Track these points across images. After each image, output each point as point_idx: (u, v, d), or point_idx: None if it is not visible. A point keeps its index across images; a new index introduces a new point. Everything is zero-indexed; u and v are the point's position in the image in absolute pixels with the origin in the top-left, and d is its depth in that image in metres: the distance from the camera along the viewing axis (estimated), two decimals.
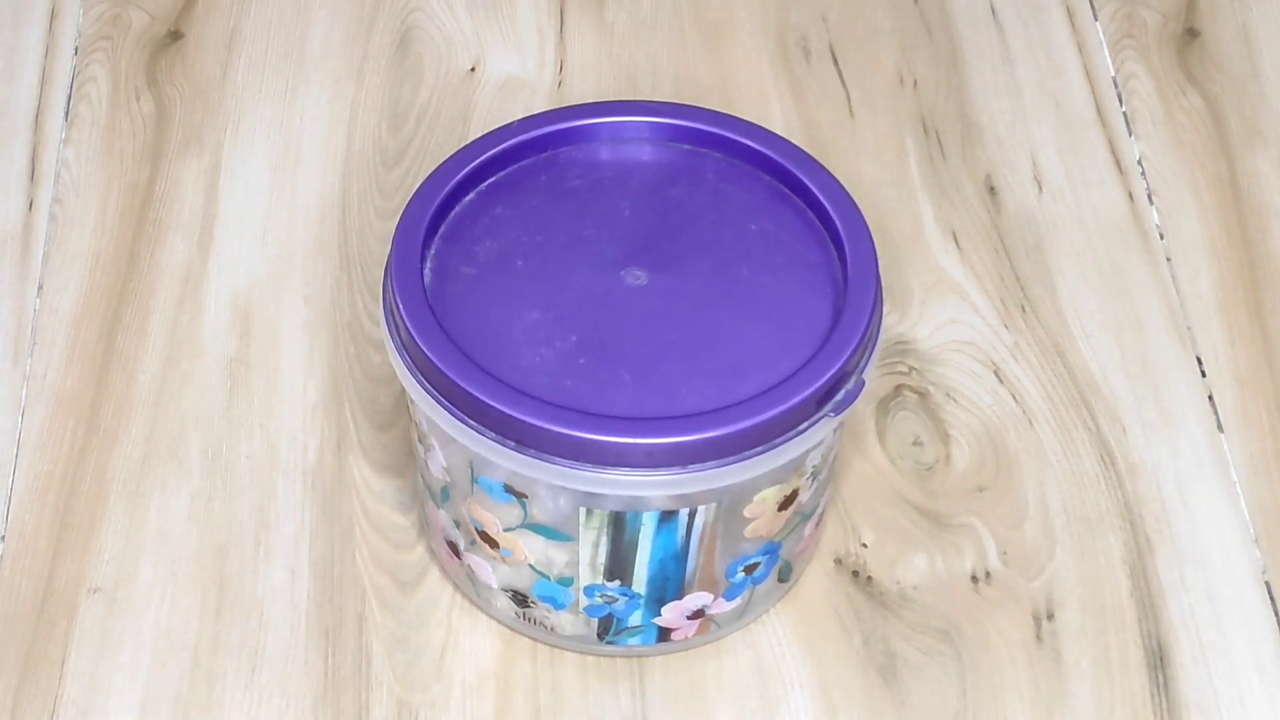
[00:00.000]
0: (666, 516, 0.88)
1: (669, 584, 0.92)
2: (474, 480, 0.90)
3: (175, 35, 1.25)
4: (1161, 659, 0.98)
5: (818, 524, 0.98)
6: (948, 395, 1.07)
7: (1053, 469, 1.04)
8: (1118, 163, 1.17)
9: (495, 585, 0.95)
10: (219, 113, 1.21)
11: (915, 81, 1.21)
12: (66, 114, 1.21)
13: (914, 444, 1.06)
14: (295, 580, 1.00)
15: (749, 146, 0.95)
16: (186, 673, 0.96)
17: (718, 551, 0.91)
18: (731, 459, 0.86)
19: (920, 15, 1.25)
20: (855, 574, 1.01)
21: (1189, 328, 1.10)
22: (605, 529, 0.89)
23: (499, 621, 0.98)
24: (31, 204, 1.17)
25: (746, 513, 0.89)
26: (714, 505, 0.88)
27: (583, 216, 0.93)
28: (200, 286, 1.12)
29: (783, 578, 0.97)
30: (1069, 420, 1.06)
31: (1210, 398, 1.07)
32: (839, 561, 1.01)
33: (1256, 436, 1.06)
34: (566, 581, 0.92)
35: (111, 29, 1.25)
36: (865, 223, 0.93)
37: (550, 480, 0.86)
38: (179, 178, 1.18)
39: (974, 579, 1.01)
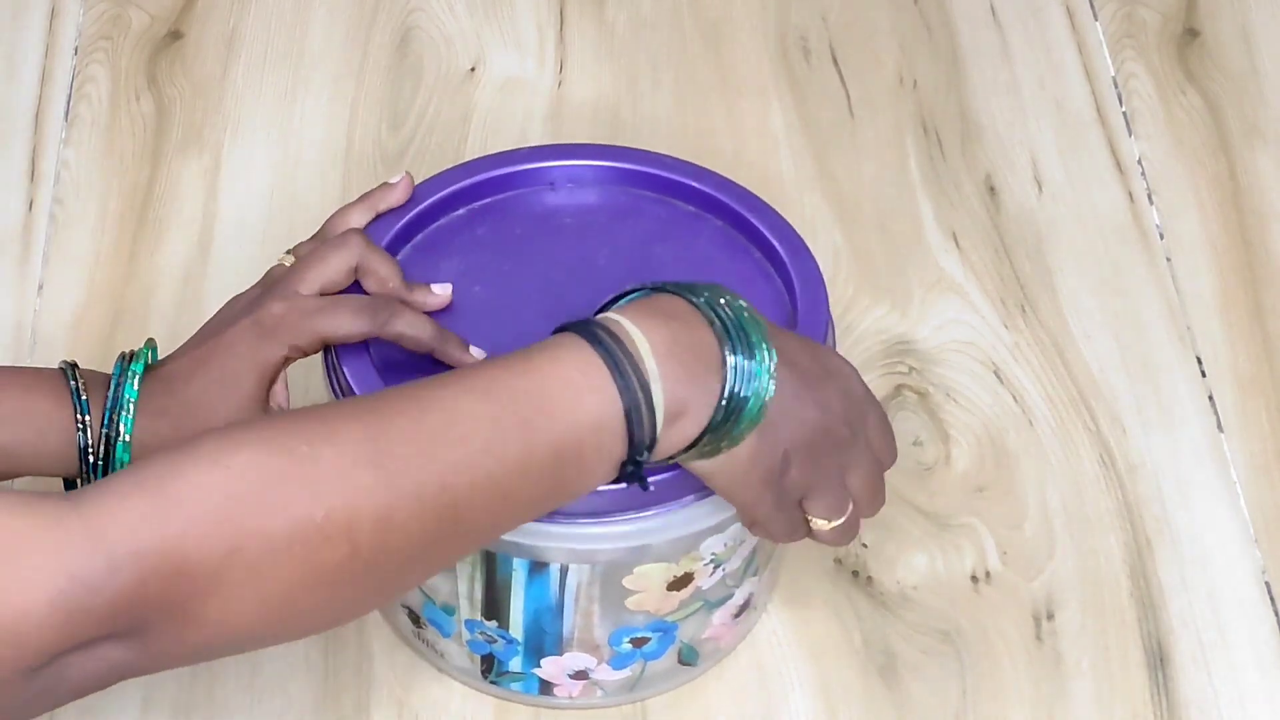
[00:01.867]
0: (538, 568, 0.87)
1: (546, 637, 0.91)
2: None
3: (175, 35, 1.25)
4: (1161, 659, 0.98)
5: (736, 617, 0.95)
6: (948, 395, 1.07)
7: (1053, 469, 1.04)
8: (1118, 163, 1.17)
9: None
10: (219, 113, 1.21)
11: (915, 81, 1.21)
12: (66, 114, 1.21)
13: (914, 444, 1.06)
14: None
15: (701, 191, 0.95)
16: (186, 673, 0.96)
17: (596, 615, 0.90)
18: (583, 521, 0.85)
19: (920, 15, 1.25)
20: (855, 574, 1.01)
21: (1189, 328, 1.10)
22: (479, 566, 0.88)
23: (400, 636, 0.97)
24: (31, 204, 1.17)
25: (627, 583, 0.88)
26: (587, 567, 0.87)
27: (534, 262, 0.93)
28: (200, 286, 1.12)
29: (685, 661, 0.94)
30: (1069, 420, 1.06)
31: (1210, 398, 1.07)
32: (839, 561, 1.01)
33: (1256, 436, 1.06)
34: (450, 610, 0.91)
35: (111, 29, 1.25)
36: (818, 272, 0.92)
37: None
38: (179, 178, 1.18)
39: (974, 579, 1.01)
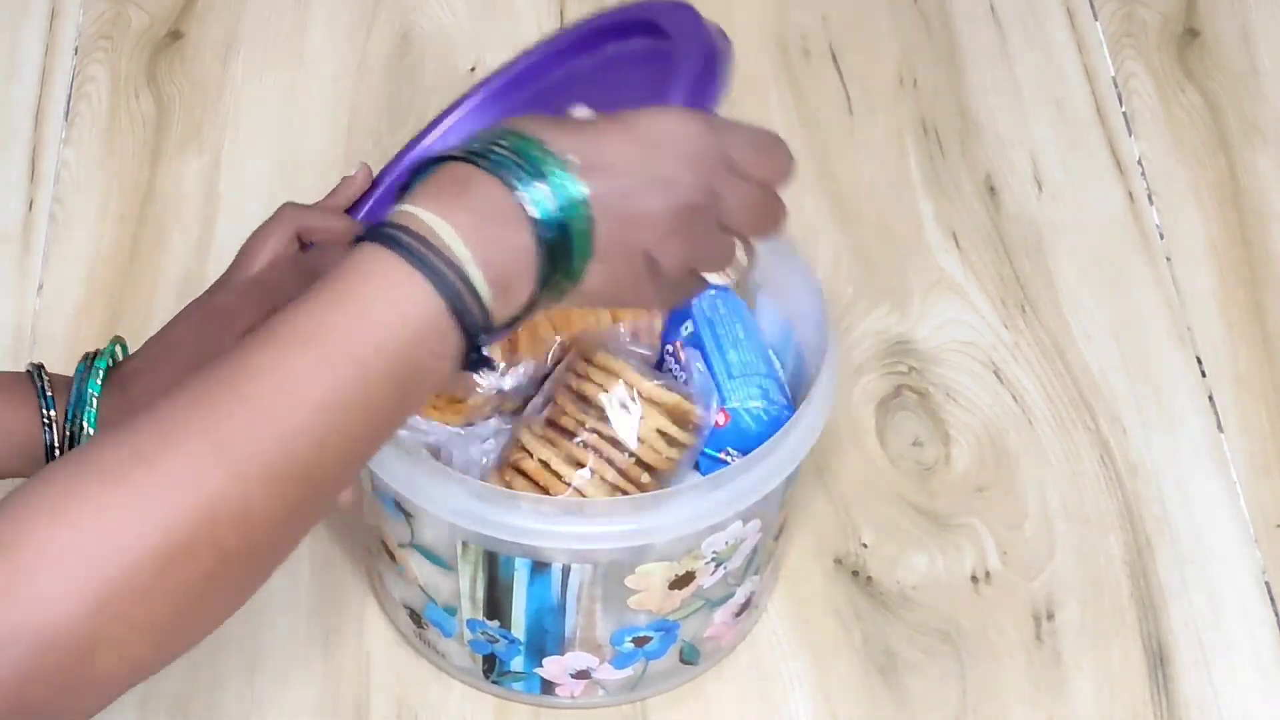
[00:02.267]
0: (540, 568, 0.87)
1: (548, 637, 0.91)
2: (373, 489, 0.90)
3: (175, 35, 1.25)
4: (1161, 659, 0.98)
5: (738, 616, 0.95)
6: (948, 395, 1.07)
7: (1053, 469, 1.04)
8: (1118, 163, 1.17)
9: (396, 598, 0.96)
10: (219, 113, 1.21)
11: (915, 81, 1.21)
12: (66, 114, 1.21)
13: (914, 444, 1.06)
14: (296, 581, 0.99)
15: (604, 29, 0.94)
16: (186, 673, 0.96)
17: (599, 615, 0.90)
18: (585, 519, 0.85)
19: (920, 15, 1.25)
20: (855, 574, 1.01)
21: (1189, 328, 1.10)
22: (481, 566, 0.88)
23: (400, 635, 0.97)
24: (31, 204, 1.17)
25: (629, 583, 0.88)
26: (589, 567, 0.87)
27: None
28: (200, 286, 1.11)
29: (687, 660, 0.95)
30: (1069, 420, 1.06)
31: (1210, 398, 1.07)
32: (839, 561, 1.01)
33: (1256, 436, 1.06)
34: (451, 610, 0.92)
35: (111, 29, 1.25)
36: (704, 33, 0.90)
37: (422, 505, 0.86)
38: (179, 177, 1.18)
39: (974, 579, 1.01)
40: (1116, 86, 1.21)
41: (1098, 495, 1.03)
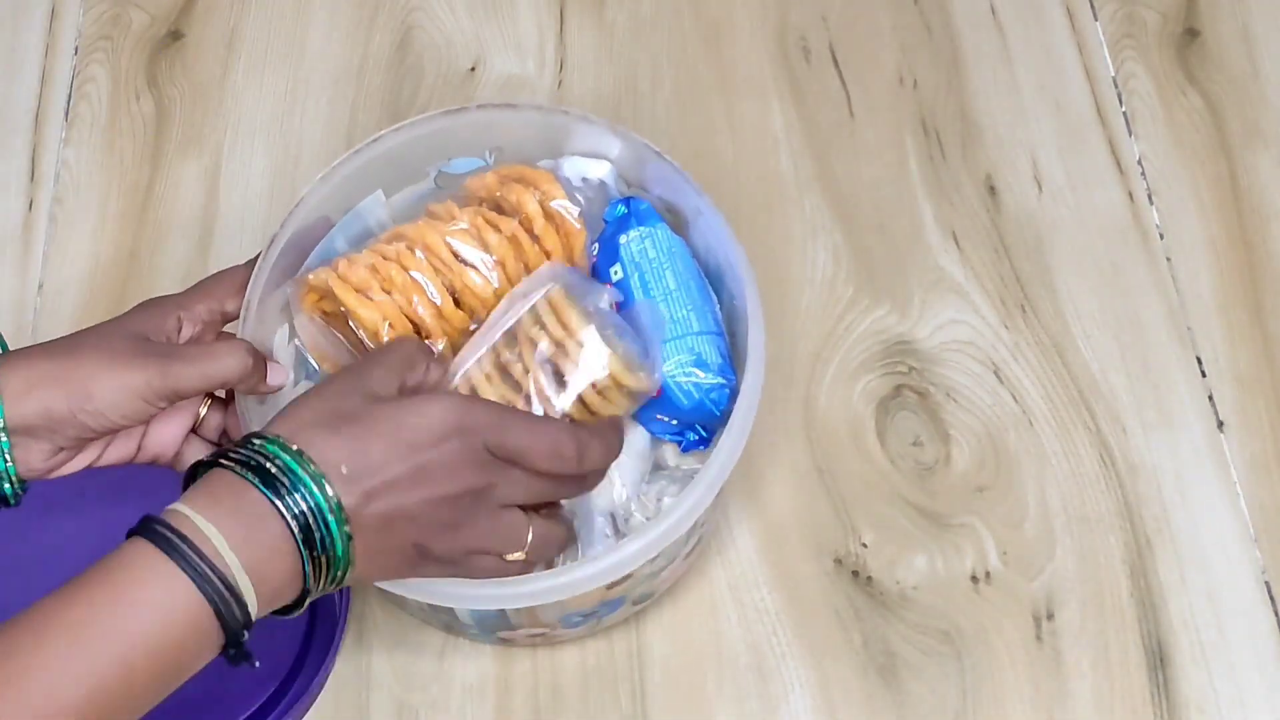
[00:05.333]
0: None
1: (495, 624, 0.93)
2: None
3: (175, 35, 1.25)
4: (1161, 659, 0.98)
5: (688, 558, 0.97)
6: (948, 395, 1.07)
7: (1053, 469, 1.04)
8: (1118, 163, 1.17)
9: None
10: (219, 113, 1.21)
11: (915, 81, 1.21)
12: (66, 114, 1.21)
13: (914, 444, 1.06)
14: None
15: None
16: None
17: (540, 613, 0.92)
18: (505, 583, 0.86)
19: (920, 15, 1.25)
20: (855, 574, 1.01)
21: (1189, 328, 1.10)
22: None
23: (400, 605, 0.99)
24: (31, 204, 1.17)
25: (565, 600, 0.89)
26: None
27: None
28: None
29: (639, 603, 0.97)
30: (1069, 420, 1.06)
31: (1210, 398, 1.07)
32: (839, 561, 1.01)
33: (1256, 436, 1.06)
34: None
35: (111, 29, 1.25)
36: None
37: None
38: (179, 178, 1.18)
39: (974, 579, 1.01)
40: (1116, 87, 1.20)
41: (1098, 495, 1.03)
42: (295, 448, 0.76)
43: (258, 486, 0.75)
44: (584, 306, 0.89)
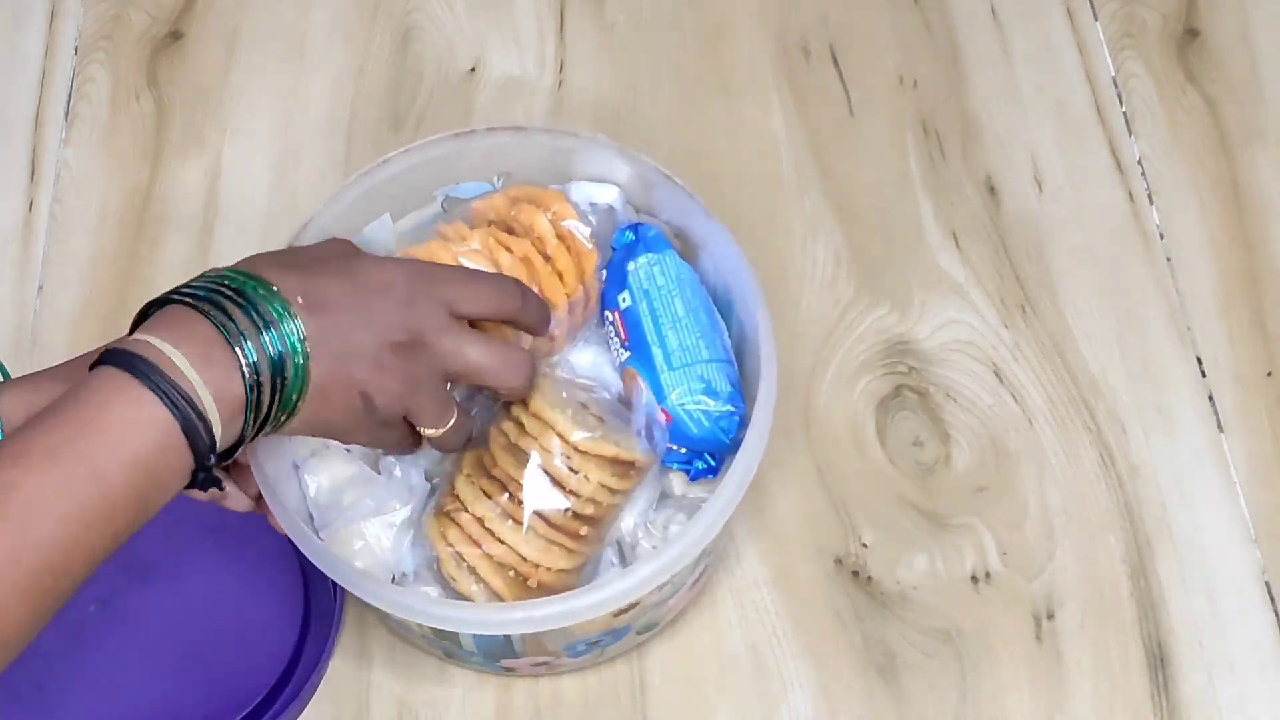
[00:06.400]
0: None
1: (500, 651, 0.93)
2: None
3: (175, 35, 1.25)
4: (1161, 659, 0.98)
5: (693, 588, 0.96)
6: (948, 395, 1.07)
7: (1053, 469, 1.04)
8: (1118, 163, 1.17)
9: None
10: (219, 113, 1.21)
11: (915, 81, 1.21)
12: (66, 114, 1.21)
13: (914, 444, 1.06)
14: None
15: None
16: None
17: (545, 641, 0.92)
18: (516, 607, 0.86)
19: (920, 15, 1.25)
20: (855, 574, 1.01)
21: (1189, 328, 1.10)
22: None
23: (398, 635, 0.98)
24: (31, 204, 1.17)
25: (569, 627, 0.88)
26: None
27: None
28: None
29: (643, 632, 0.96)
30: (1069, 420, 1.06)
31: (1210, 398, 1.07)
32: (839, 561, 1.01)
33: (1256, 436, 1.06)
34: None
35: (111, 29, 1.25)
36: None
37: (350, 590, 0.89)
38: (179, 178, 1.18)
39: (974, 579, 1.01)
40: (1116, 87, 1.20)
41: (1098, 495, 1.03)
42: (257, 273, 0.78)
43: (215, 311, 0.76)
44: (558, 401, 0.89)
